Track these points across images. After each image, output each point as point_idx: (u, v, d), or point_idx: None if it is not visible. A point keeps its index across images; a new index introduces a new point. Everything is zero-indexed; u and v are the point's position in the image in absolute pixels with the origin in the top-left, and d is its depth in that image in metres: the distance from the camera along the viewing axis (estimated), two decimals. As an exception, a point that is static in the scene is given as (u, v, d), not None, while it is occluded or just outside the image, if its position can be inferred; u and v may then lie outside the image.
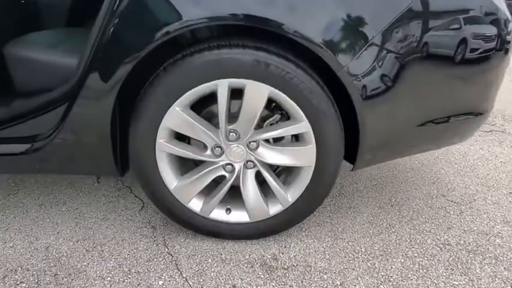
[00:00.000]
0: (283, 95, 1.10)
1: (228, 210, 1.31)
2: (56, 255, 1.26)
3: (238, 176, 1.25)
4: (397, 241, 1.36)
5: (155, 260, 1.25)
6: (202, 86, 1.09)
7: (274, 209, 1.29)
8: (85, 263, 1.22)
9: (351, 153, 1.27)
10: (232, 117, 1.19)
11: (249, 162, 1.24)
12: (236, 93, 1.14)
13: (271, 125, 1.23)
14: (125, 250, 1.29)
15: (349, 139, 1.24)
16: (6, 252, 1.27)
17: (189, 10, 1.02)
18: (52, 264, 1.21)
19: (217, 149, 1.21)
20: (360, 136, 1.18)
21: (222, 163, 1.23)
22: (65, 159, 1.28)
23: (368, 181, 1.76)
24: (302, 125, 1.14)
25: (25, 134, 1.24)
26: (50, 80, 1.35)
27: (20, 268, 1.20)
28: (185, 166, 1.30)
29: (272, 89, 1.09)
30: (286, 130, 1.17)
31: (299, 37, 1.03)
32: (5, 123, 1.25)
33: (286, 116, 1.23)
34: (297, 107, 1.12)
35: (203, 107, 1.25)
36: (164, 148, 1.19)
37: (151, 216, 1.47)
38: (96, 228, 1.40)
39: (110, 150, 1.23)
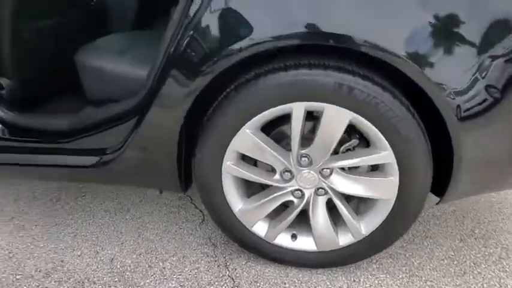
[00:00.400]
0: (366, 122, 0.98)
1: (294, 237, 1.23)
2: (120, 269, 1.26)
3: (307, 203, 1.16)
4: (484, 285, 1.19)
5: (216, 283, 1.20)
6: (276, 108, 1.01)
7: (345, 239, 1.18)
8: (148, 280, 1.21)
9: (438, 184, 1.12)
10: (305, 138, 1.09)
11: (320, 189, 1.13)
12: (309, 113, 1.04)
13: (347, 150, 1.12)
14: (186, 269, 1.26)
15: (437, 167, 1.09)
16: (74, 261, 1.30)
17: (281, 25, 0.92)
18: (117, 279, 1.22)
19: (286, 173, 1.12)
20: (453, 165, 1.03)
21: (291, 189, 1.15)
22: (131, 172, 1.27)
23: (446, 206, 1.58)
24: (385, 155, 1.02)
25: (95, 147, 1.25)
26: (119, 91, 1.34)
27: (87, 280, 1.21)
28: (251, 188, 1.23)
29: (354, 115, 0.97)
30: (365, 159, 1.05)
31: (378, 50, 0.89)
32: (75, 135, 1.26)
33: (365, 141, 1.11)
34: (381, 136, 0.99)
35: (273, 126, 1.16)
36: (231, 170, 1.12)
37: (212, 232, 1.44)
38: (158, 240, 1.39)
39: (175, 166, 1.20)
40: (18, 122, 1.29)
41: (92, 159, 1.24)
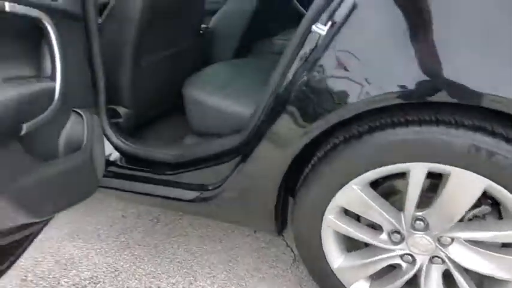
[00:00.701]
0: (506, 192, 0.81)
1: (399, 304, 1.09)
2: (211, 306, 1.26)
3: (419, 270, 1.01)
4: None
5: None
6: (391, 166, 0.89)
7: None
8: (237, 323, 1.19)
9: None
10: (421, 197, 0.95)
11: (437, 258, 0.98)
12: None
13: (475, 216, 0.95)
14: (275, 318, 1.21)
15: None
16: (169, 289, 1.34)
17: (412, 77, 0.81)
18: (207, 316, 1.22)
19: (395, 235, 0.99)
20: None
21: (399, 252, 1.01)
22: (227, 210, 1.27)
23: None
24: (529, 234, 0.83)
25: (196, 182, 1.27)
26: (221, 127, 1.35)
27: (179, 313, 1.24)
28: (353, 243, 1.12)
29: (491, 183, 0.81)
30: (500, 236, 0.87)
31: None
32: (179, 168, 1.30)
33: (497, 210, 0.93)
34: (526, 211, 0.81)
35: (383, 179, 1.04)
36: (332, 225, 1.04)
37: (302, 275, 1.36)
38: (248, 279, 1.37)
39: (272, 209, 1.16)
40: (130, 151, 1.38)
41: (192, 194, 1.27)
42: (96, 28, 1.17)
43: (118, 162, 1.38)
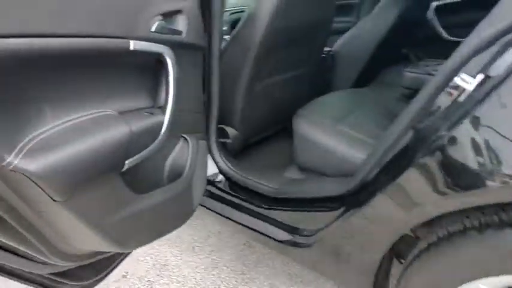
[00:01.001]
0: None
1: None
2: None
3: None
4: None
5: None
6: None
7: None
8: None
9: None
10: None
11: None
12: None
13: None
14: None
15: None
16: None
17: None
18: None
19: None
20: None
21: None
22: (319, 261, 1.15)
23: None
24: None
25: (291, 223, 1.19)
26: (327, 169, 1.24)
27: None
28: None
29: None
30: None
31: None
32: (275, 204, 1.24)
33: None
34: None
35: None
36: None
37: None
38: None
39: (372, 273, 1.01)
40: (231, 175, 1.37)
41: (284, 235, 1.19)
42: (218, 56, 1.18)
43: (216, 184, 1.39)
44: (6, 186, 0.56)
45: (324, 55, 1.91)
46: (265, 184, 1.28)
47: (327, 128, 1.27)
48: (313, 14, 1.47)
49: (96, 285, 1.00)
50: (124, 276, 1.51)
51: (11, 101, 0.53)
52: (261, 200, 1.28)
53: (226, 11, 2.36)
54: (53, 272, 0.81)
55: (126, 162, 0.70)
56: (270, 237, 1.21)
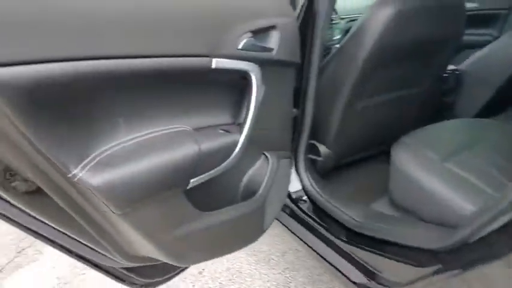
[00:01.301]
0: None
1: None
2: None
3: None
4: None
5: None
6: None
7: None
8: None
9: None
10: None
11: None
12: None
13: None
14: None
15: None
16: None
17: None
18: None
19: None
20: None
21: None
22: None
23: None
24: None
25: (367, 263, 1.06)
26: (425, 213, 1.07)
27: None
28: None
29: None
30: None
31: None
32: (355, 239, 1.12)
33: None
34: None
35: None
36: None
37: None
38: None
39: None
40: (314, 196, 1.28)
41: (358, 276, 1.06)
42: (317, 72, 1.12)
43: (298, 201, 1.32)
44: (77, 192, 0.60)
45: (446, 74, 1.65)
46: (349, 214, 1.17)
47: (431, 165, 1.09)
48: (433, 29, 1.27)
49: (162, 284, 1.05)
50: (200, 273, 1.57)
51: (86, 115, 0.57)
52: (340, 230, 1.17)
53: (343, 18, 2.26)
54: (122, 267, 0.88)
55: (191, 180, 0.70)
56: (343, 273, 1.10)
